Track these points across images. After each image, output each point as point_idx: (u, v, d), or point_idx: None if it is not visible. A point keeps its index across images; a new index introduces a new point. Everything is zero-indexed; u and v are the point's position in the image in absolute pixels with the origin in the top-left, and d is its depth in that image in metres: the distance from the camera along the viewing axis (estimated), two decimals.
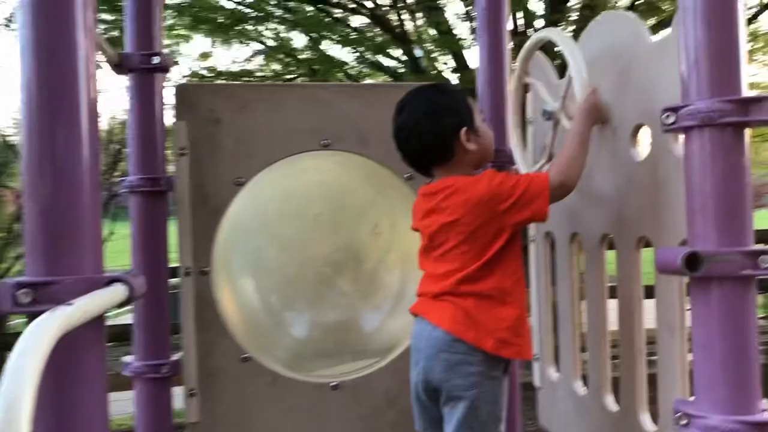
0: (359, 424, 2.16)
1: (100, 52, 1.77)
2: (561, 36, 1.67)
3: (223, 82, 8.61)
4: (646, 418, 1.60)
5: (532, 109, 2.06)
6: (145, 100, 1.94)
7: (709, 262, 1.14)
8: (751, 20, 7.50)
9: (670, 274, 1.23)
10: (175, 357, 1.99)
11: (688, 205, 1.20)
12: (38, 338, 0.68)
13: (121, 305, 0.96)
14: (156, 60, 1.92)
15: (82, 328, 0.85)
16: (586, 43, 1.77)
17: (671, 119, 1.21)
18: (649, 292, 1.56)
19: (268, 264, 2.22)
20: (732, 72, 1.15)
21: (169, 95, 2.07)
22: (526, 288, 1.75)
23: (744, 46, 1.16)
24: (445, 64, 7.64)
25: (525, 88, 1.99)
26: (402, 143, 1.73)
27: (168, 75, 2.04)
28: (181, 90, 2.06)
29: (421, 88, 1.75)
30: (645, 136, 1.60)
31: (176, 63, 8.94)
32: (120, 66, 1.87)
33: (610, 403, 1.76)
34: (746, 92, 1.15)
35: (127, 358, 1.97)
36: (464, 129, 1.65)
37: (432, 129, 1.66)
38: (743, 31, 1.16)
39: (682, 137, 1.40)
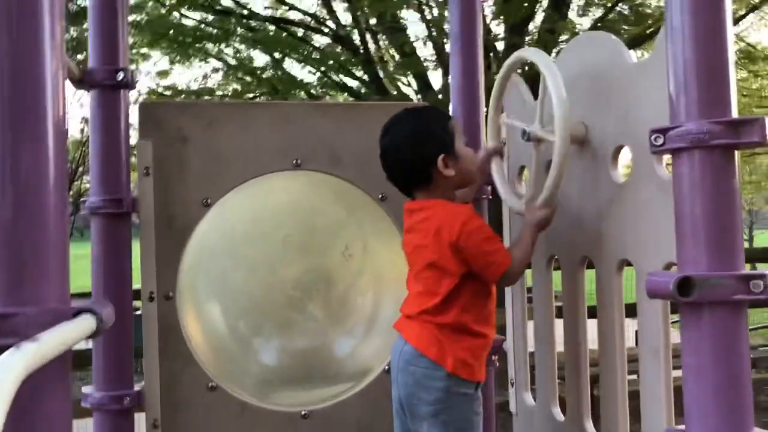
0: None
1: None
2: (540, 56, 1.65)
3: (182, 100, 8.50)
4: None
5: (507, 130, 2.04)
6: (109, 117, 1.85)
7: (701, 287, 1.12)
8: None
9: (660, 298, 1.20)
10: (137, 387, 1.89)
11: (677, 228, 1.18)
12: (2, 380, 0.60)
13: (89, 337, 0.88)
14: (121, 75, 1.84)
15: (47, 363, 0.78)
16: (565, 63, 1.75)
17: (660, 141, 1.19)
18: (629, 310, 1.54)
19: (235, 288, 2.13)
20: (722, 93, 1.13)
21: (133, 112, 1.99)
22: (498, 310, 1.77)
23: (733, 66, 1.15)
24: (408, 85, 7.67)
25: (502, 109, 1.96)
26: (385, 167, 1.78)
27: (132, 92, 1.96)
28: (147, 107, 1.99)
29: (405, 112, 1.78)
30: (625, 157, 1.59)
31: (136, 81, 8.80)
32: (82, 81, 1.79)
33: (590, 429, 1.72)
34: (735, 114, 1.14)
35: (87, 389, 1.86)
36: (441, 156, 1.67)
37: (410, 155, 1.70)
38: (732, 52, 1.15)
39: (665, 159, 1.39)
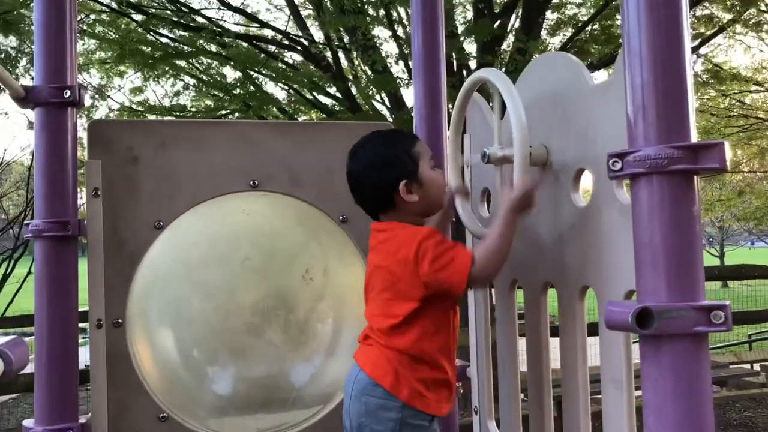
0: None
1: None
2: (499, 77, 1.60)
3: (153, 117, 8.40)
4: None
5: (470, 152, 1.99)
6: (54, 136, 1.78)
7: (660, 319, 1.07)
8: None
9: (618, 330, 1.15)
10: (83, 419, 1.80)
11: (636, 256, 1.13)
12: None
13: None
14: (68, 93, 1.77)
15: None
16: (526, 83, 1.71)
17: (618, 165, 1.15)
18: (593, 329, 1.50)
19: (189, 314, 2.05)
20: (681, 117, 1.09)
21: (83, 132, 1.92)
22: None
23: (692, 89, 1.11)
24: (382, 102, 7.64)
25: (463, 129, 1.92)
26: (351, 191, 1.74)
27: (92, 109, 1.88)
28: (96, 126, 1.91)
29: (370, 136, 1.74)
30: (587, 180, 1.54)
31: (108, 96, 8.69)
32: (25, 99, 1.71)
33: None
34: (695, 138, 1.10)
35: (28, 423, 1.76)
36: (403, 182, 1.64)
37: (372, 181, 1.67)
38: (691, 75, 1.11)
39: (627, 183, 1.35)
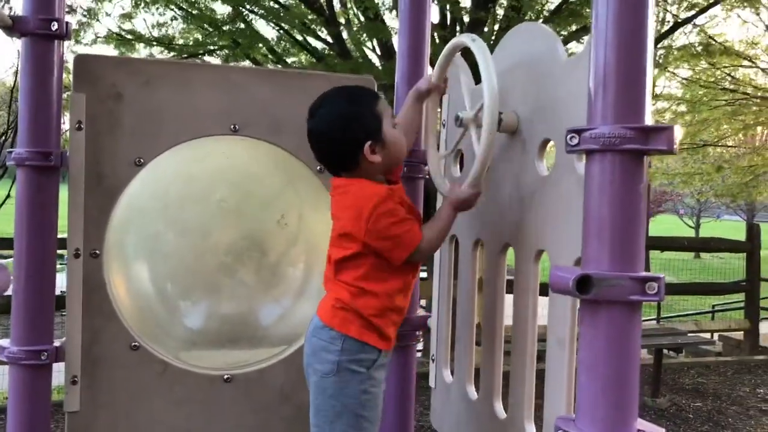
0: (252, 418, 2.12)
1: None
2: (476, 43, 1.65)
3: (140, 45, 8.26)
4: (531, 428, 1.63)
5: (446, 113, 2.05)
6: (39, 67, 1.81)
7: (599, 286, 1.16)
8: (667, 34, 7.86)
9: (561, 293, 1.24)
10: (57, 342, 1.88)
11: (584, 227, 1.22)
12: None
13: None
14: (55, 26, 1.79)
15: None
16: (504, 51, 1.77)
17: (575, 140, 1.22)
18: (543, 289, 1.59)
19: (165, 249, 2.12)
20: (637, 100, 1.17)
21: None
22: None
23: (651, 75, 1.18)
24: (372, 50, 7.60)
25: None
26: (312, 147, 1.77)
27: (79, 34, 1.90)
28: (81, 60, 1.94)
29: (334, 93, 1.74)
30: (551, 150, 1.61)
31: (97, 20, 8.52)
32: (12, 28, 1.73)
33: (499, 409, 1.78)
34: (649, 120, 1.18)
35: (4, 342, 1.84)
36: (369, 143, 1.66)
37: (336, 140, 1.69)
38: (651, 61, 1.18)
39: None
